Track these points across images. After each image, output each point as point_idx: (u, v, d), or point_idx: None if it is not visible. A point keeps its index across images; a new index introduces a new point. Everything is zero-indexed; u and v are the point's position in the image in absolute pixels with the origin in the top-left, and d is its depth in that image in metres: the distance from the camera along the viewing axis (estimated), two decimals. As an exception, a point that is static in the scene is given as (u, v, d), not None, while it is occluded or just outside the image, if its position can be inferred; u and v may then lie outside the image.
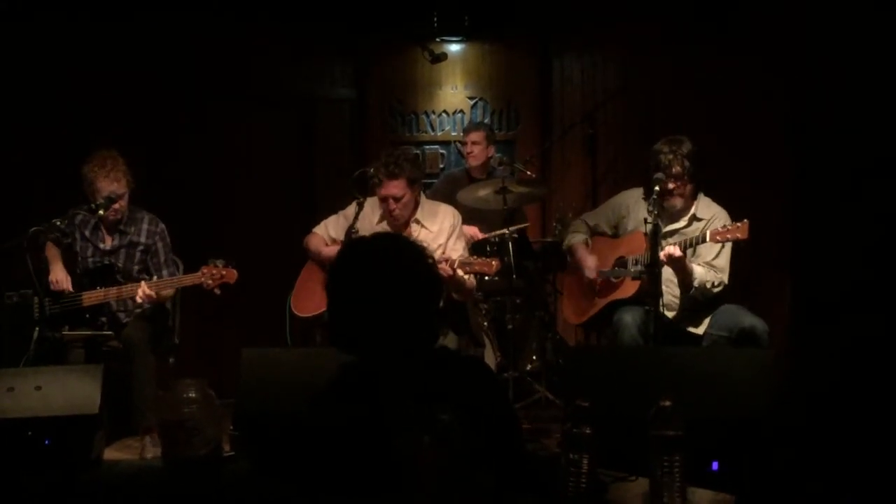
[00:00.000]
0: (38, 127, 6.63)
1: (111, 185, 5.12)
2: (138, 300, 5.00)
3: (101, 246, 5.28)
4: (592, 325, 5.42)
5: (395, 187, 4.99)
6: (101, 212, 5.08)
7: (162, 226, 5.38)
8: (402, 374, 2.51)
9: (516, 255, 5.71)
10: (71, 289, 5.09)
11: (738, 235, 4.56)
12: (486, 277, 5.29)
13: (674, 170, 4.82)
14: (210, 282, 4.94)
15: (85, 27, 6.69)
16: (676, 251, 4.68)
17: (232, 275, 4.97)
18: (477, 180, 6.32)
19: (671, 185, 4.82)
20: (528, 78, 7.69)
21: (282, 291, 5.38)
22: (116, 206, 5.17)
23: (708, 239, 4.67)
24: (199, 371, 4.61)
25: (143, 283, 5.01)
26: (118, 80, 6.82)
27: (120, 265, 5.25)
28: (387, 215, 5.10)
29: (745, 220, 4.56)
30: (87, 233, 5.30)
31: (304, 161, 7.45)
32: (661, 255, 4.66)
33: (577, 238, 5.29)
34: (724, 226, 4.68)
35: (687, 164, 4.82)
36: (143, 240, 5.31)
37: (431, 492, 2.37)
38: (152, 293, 4.97)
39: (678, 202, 4.89)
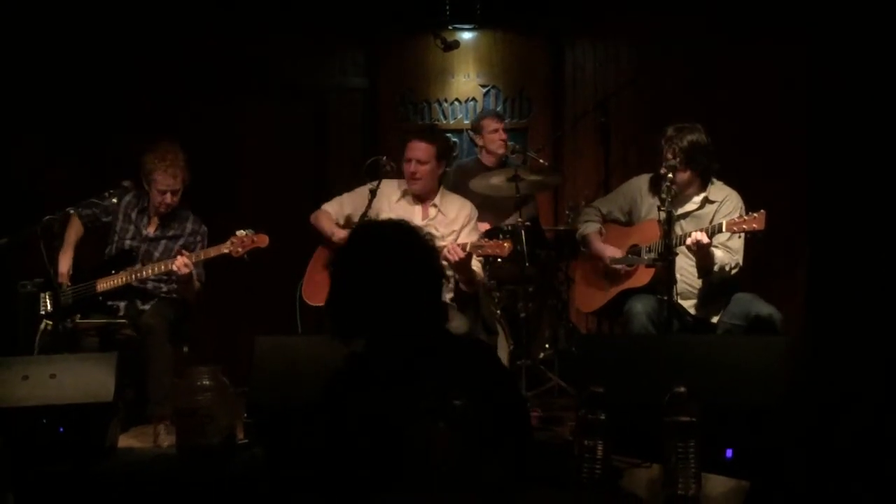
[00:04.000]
0: (55, 118, 6.65)
1: (167, 179, 5.21)
2: (175, 267, 4.99)
3: (145, 232, 5.32)
4: (604, 313, 5.42)
5: (421, 150, 5.15)
6: (114, 200, 5.13)
7: (205, 228, 5.43)
8: (411, 360, 2.52)
9: (529, 244, 5.70)
10: (69, 283, 5.12)
11: (755, 226, 4.55)
12: (500, 260, 5.35)
13: (666, 155, 4.83)
14: (240, 249, 4.97)
15: (99, 21, 6.71)
16: (704, 238, 4.66)
17: (263, 239, 5.01)
18: (489, 169, 6.31)
19: (663, 171, 4.80)
20: (541, 66, 7.67)
21: (295, 280, 5.40)
22: (168, 199, 5.24)
23: (724, 229, 4.65)
24: (212, 359, 4.61)
25: (179, 255, 5.04)
26: (133, 74, 6.84)
27: (157, 254, 5.29)
28: (407, 177, 5.21)
29: (762, 211, 4.55)
30: (132, 214, 5.34)
31: (317, 150, 7.45)
32: (689, 241, 4.67)
33: (590, 227, 5.27)
34: (741, 216, 4.67)
35: (680, 153, 4.81)
36: (185, 235, 5.36)
37: (445, 478, 2.37)
38: (190, 263, 5.00)
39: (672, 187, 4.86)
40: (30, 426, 4.18)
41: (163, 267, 5.08)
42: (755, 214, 4.57)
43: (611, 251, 5.11)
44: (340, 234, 5.18)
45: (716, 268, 4.80)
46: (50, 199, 5.53)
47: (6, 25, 6.45)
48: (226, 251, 5.01)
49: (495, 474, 2.44)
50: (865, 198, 6.17)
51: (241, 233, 4.99)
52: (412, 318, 2.53)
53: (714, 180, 4.99)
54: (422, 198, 5.28)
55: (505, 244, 4.86)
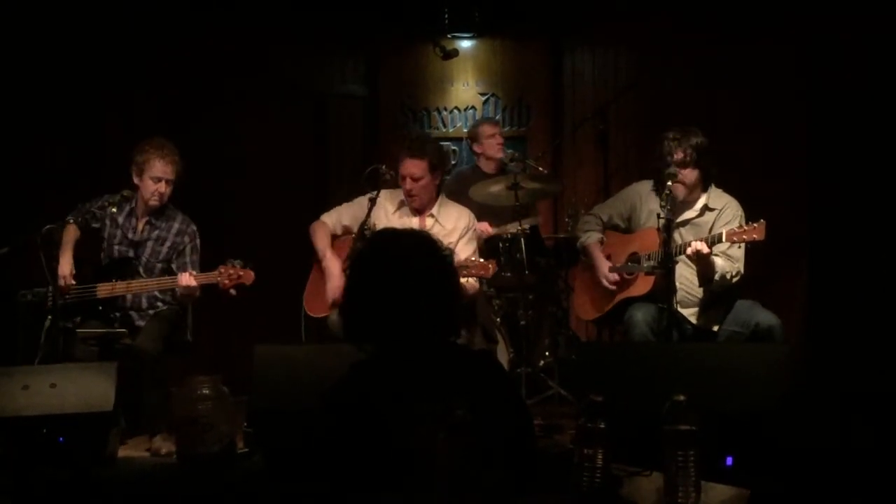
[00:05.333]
0: (50, 124, 6.65)
1: (164, 166, 5.18)
2: (180, 286, 4.99)
3: (131, 235, 5.30)
4: (605, 321, 5.41)
5: (415, 166, 5.14)
6: (113, 209, 5.12)
7: (193, 227, 5.38)
8: (415, 368, 2.52)
9: (528, 251, 5.71)
10: (74, 282, 5.10)
11: (755, 236, 4.54)
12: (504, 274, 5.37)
13: (676, 156, 4.83)
14: (227, 281, 4.95)
15: (97, 25, 6.70)
16: (704, 248, 4.65)
17: (249, 276, 4.97)
18: (488, 177, 6.31)
19: (672, 170, 4.80)
20: (540, 74, 7.69)
21: (295, 288, 5.39)
22: (162, 188, 5.20)
23: (724, 239, 4.64)
24: (212, 368, 4.61)
25: (183, 273, 5.02)
26: (132, 81, 6.84)
27: (144, 258, 5.26)
28: (404, 194, 5.23)
29: (762, 221, 4.54)
30: (119, 219, 5.31)
31: (317, 158, 7.45)
32: (689, 251, 4.66)
33: (591, 238, 5.26)
34: (741, 226, 4.65)
35: (690, 151, 4.82)
36: (171, 236, 5.31)
37: (446, 487, 2.37)
38: (194, 283, 4.98)
39: (681, 191, 4.86)
40: (30, 435, 4.18)
41: (135, 287, 5.08)
42: (755, 225, 4.56)
43: (606, 270, 5.11)
44: (329, 264, 5.19)
45: (717, 276, 4.79)
46: (49, 206, 5.53)
47: (5, 30, 6.45)
48: (214, 282, 4.99)
49: (496, 483, 2.44)
50: (866, 199, 6.17)
51: (229, 263, 4.96)
52: (425, 326, 2.54)
53: (713, 186, 5.00)
54: (419, 209, 5.30)
55: (489, 265, 4.85)
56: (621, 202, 5.27)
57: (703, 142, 4.86)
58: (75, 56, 6.71)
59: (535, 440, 2.83)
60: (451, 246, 5.13)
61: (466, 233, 5.28)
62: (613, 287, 5.08)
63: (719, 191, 5.00)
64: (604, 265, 5.13)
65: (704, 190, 4.98)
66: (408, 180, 5.17)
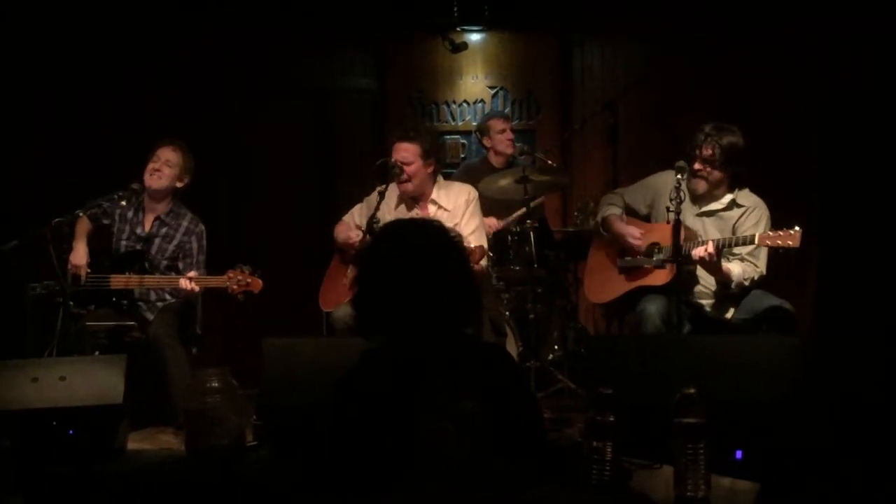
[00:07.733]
0: (55, 124, 6.66)
1: (168, 152, 5.29)
2: (182, 286, 5.01)
3: (139, 231, 5.31)
4: (615, 309, 5.37)
5: (406, 150, 5.09)
6: (123, 202, 5.13)
7: (201, 227, 5.39)
8: (426, 360, 2.52)
9: (537, 245, 5.70)
10: (89, 271, 5.12)
11: (790, 243, 4.46)
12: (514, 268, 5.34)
13: (704, 151, 4.77)
14: (235, 287, 4.95)
15: (97, 25, 6.71)
16: (710, 248, 4.60)
17: (257, 284, 4.98)
18: (497, 170, 6.30)
19: (697, 167, 4.77)
20: (549, 67, 7.67)
21: (303, 281, 5.39)
22: (159, 167, 5.26)
23: (757, 241, 4.59)
24: (221, 361, 4.61)
25: (182, 279, 5.04)
26: (130, 79, 6.84)
27: (151, 254, 5.27)
28: (397, 181, 5.13)
29: (798, 228, 4.45)
30: (128, 214, 5.34)
31: (325, 152, 7.44)
32: (694, 254, 4.63)
33: (612, 210, 5.16)
34: (777, 231, 4.55)
35: (719, 151, 4.75)
36: (179, 235, 5.33)
37: (454, 478, 2.37)
38: (196, 288, 5.00)
39: (701, 186, 4.82)
40: (40, 428, 4.19)
41: (148, 282, 5.12)
42: (791, 231, 4.46)
43: (633, 230, 5.00)
44: (354, 236, 5.18)
45: (733, 285, 4.75)
46: (54, 202, 5.54)
47: (8, 29, 6.46)
48: (222, 286, 4.99)
49: (506, 475, 2.44)
50: (875, 197, 6.15)
51: (238, 268, 4.97)
52: (434, 317, 2.53)
53: (742, 188, 4.92)
54: (417, 198, 5.22)
55: (476, 251, 4.67)
56: (645, 188, 5.18)
57: (735, 143, 4.77)
58: (75, 56, 6.72)
59: (545, 432, 2.83)
60: (459, 226, 5.07)
61: (468, 207, 5.17)
62: (639, 243, 4.99)
63: (747, 190, 4.92)
64: (627, 229, 5.02)
65: (731, 188, 4.92)
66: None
